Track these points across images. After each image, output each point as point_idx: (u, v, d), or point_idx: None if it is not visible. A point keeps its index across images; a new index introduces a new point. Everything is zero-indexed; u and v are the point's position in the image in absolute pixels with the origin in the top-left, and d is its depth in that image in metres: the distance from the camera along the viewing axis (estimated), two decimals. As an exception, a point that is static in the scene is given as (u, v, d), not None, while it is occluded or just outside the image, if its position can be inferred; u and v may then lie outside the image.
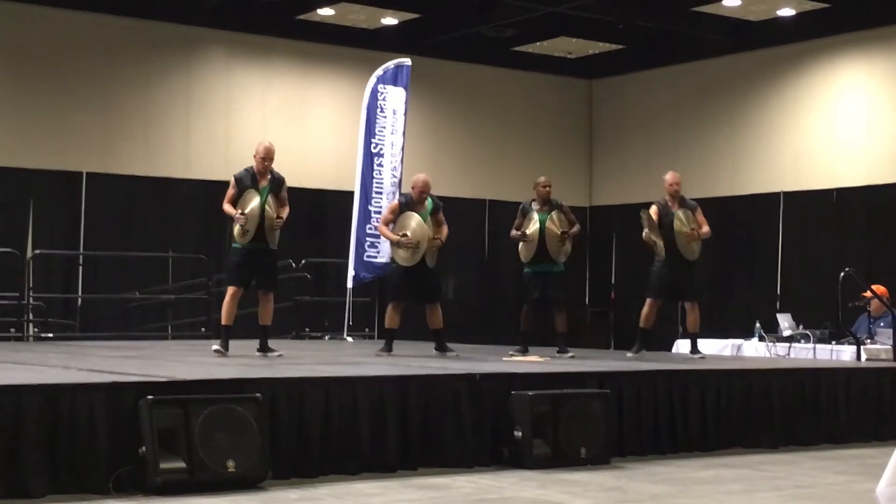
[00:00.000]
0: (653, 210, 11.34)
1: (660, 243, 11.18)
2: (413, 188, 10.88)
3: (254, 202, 9.90)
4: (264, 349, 10.12)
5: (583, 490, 6.95)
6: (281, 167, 10.35)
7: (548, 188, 11.27)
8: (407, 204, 10.83)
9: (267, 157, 10.01)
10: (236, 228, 9.93)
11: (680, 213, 11.23)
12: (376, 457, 7.32)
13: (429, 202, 10.84)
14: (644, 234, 11.22)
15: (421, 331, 11.54)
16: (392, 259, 11.13)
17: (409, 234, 10.60)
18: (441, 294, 11.20)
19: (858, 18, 16.61)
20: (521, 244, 11.22)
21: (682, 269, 11.31)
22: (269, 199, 9.93)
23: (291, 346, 11.66)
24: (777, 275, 17.69)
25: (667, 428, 8.62)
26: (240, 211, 9.87)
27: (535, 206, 11.22)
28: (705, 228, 11.36)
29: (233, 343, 10.06)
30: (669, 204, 11.35)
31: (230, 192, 10.03)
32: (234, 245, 10.08)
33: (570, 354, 10.98)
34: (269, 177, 10.04)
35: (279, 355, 9.99)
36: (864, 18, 16.58)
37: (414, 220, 10.57)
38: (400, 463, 7.41)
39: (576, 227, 11.22)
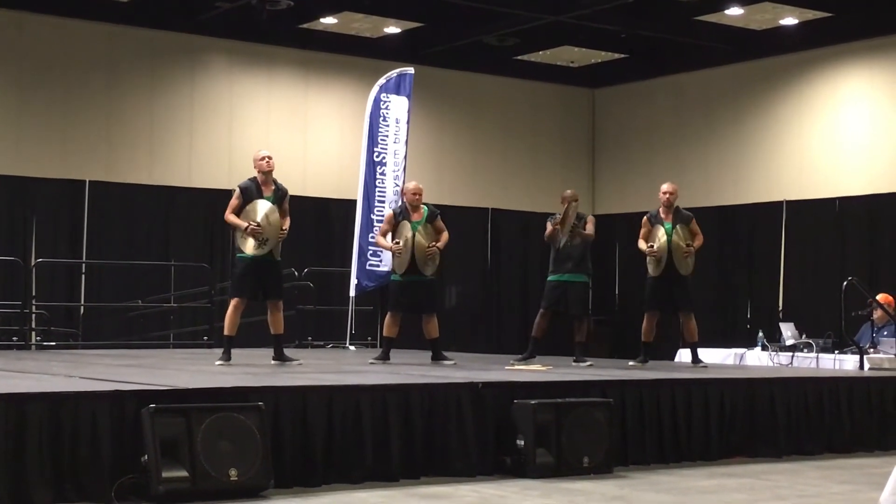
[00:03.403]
0: (643, 221, 11.38)
1: (650, 253, 11.17)
2: (404, 196, 10.93)
3: (265, 210, 9.85)
4: (281, 358, 10.08)
5: (585, 499, 6.94)
6: (284, 175, 10.34)
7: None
8: (402, 213, 10.84)
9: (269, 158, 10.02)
10: (248, 241, 9.84)
11: (678, 228, 11.23)
12: (379, 466, 7.31)
13: (425, 210, 10.88)
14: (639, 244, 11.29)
15: (417, 339, 11.53)
16: (392, 269, 11.12)
17: (399, 241, 10.57)
18: (437, 304, 11.18)
19: (861, 27, 16.61)
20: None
21: (675, 280, 11.30)
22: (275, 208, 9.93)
23: (294, 355, 11.64)
24: (780, 284, 17.67)
25: (670, 437, 8.61)
26: (252, 222, 9.79)
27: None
28: (699, 240, 11.38)
29: (240, 352, 10.02)
30: (662, 215, 11.34)
31: (234, 202, 9.95)
32: (239, 255, 10.01)
33: (587, 363, 10.95)
34: (272, 187, 10.02)
35: (299, 363, 9.96)
36: (867, 27, 16.58)
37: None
38: (403, 472, 7.39)
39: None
